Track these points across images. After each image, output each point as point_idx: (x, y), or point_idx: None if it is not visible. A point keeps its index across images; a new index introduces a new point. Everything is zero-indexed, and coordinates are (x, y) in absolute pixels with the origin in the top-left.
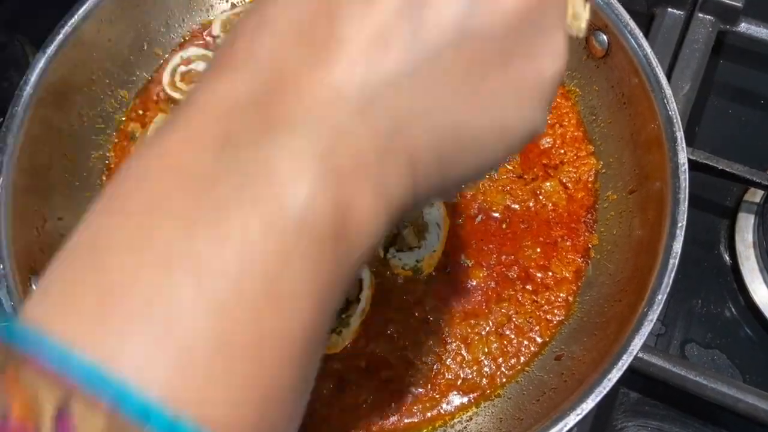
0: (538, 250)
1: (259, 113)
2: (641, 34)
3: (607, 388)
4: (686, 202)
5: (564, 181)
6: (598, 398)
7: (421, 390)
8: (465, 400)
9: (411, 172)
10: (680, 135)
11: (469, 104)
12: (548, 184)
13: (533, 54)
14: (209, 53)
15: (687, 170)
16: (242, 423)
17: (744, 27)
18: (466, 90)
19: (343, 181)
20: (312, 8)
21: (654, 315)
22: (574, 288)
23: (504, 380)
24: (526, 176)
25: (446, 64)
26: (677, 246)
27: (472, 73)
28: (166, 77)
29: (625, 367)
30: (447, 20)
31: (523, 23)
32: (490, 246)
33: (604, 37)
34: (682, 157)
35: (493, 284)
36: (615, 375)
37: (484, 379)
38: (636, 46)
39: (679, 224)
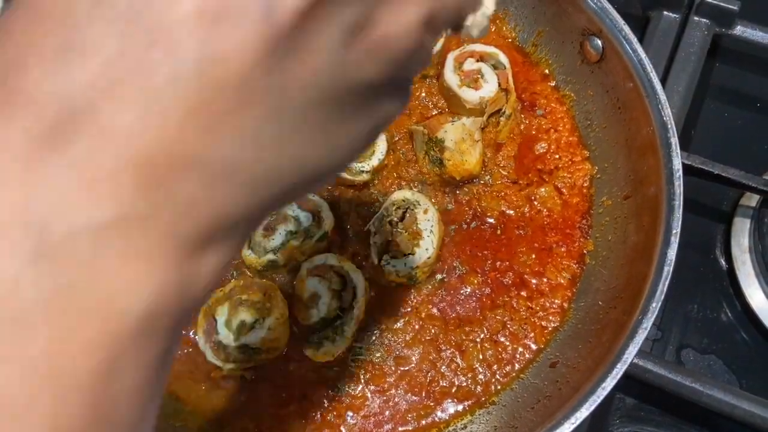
0: (533, 256)
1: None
2: (636, 39)
3: (602, 397)
4: (681, 209)
5: (559, 186)
6: (593, 407)
7: (415, 398)
8: (460, 407)
9: (253, 225)
10: (675, 141)
11: (329, 154)
12: (543, 189)
13: (387, 99)
14: None
15: (681, 176)
16: None
17: (740, 30)
18: (329, 140)
19: (189, 259)
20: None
21: (648, 323)
22: (569, 294)
23: (499, 387)
24: (520, 182)
25: (311, 122)
26: (672, 253)
27: (339, 124)
28: None
29: (619, 376)
30: (321, 77)
31: (388, 78)
32: (485, 252)
33: (599, 42)
34: (677, 163)
35: (487, 290)
36: (609, 383)
37: (479, 387)
38: (630, 51)
39: (674, 231)
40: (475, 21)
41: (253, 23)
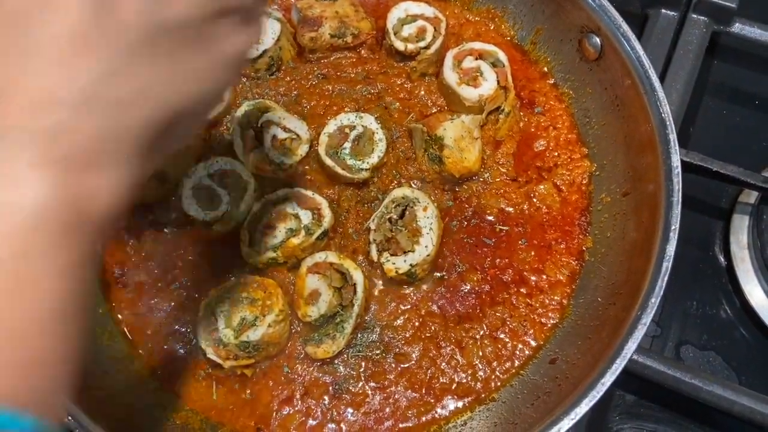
0: (533, 253)
1: None
2: (634, 36)
3: (601, 393)
4: (680, 205)
5: (558, 183)
6: (592, 402)
7: (415, 394)
8: (460, 404)
9: (138, 149)
10: (673, 137)
11: (175, 82)
12: (542, 186)
13: (229, 34)
14: None
15: (680, 173)
16: (11, 386)
17: (738, 27)
18: (170, 71)
19: (76, 175)
20: (2, 19)
21: (647, 319)
22: (569, 291)
23: (498, 384)
24: (520, 179)
25: (146, 55)
26: (671, 249)
27: (173, 56)
28: None
29: (618, 371)
30: (139, 18)
31: (215, 13)
32: (485, 249)
33: (597, 40)
34: (675, 160)
35: (487, 288)
36: (609, 379)
37: (479, 383)
38: (629, 48)
39: (673, 227)
40: None
41: None
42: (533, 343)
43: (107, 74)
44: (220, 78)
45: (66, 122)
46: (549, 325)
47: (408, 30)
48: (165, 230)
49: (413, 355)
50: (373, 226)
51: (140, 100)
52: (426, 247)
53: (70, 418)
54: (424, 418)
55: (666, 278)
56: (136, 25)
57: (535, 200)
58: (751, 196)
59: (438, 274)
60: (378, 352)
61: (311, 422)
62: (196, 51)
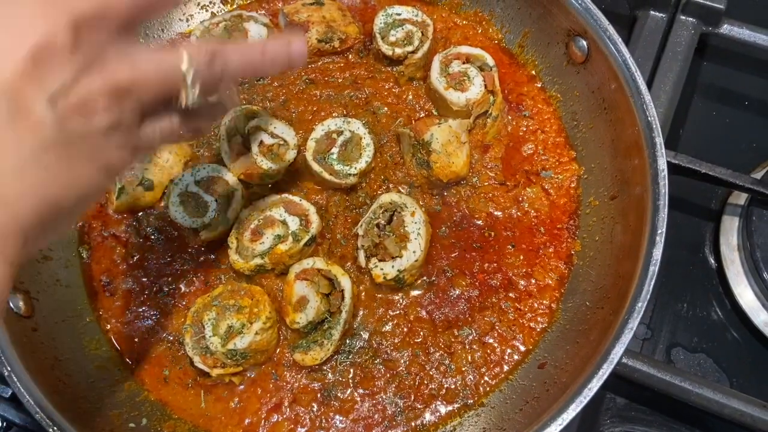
0: (521, 257)
1: None
2: (620, 39)
3: (588, 398)
4: (666, 209)
5: (546, 187)
6: (579, 407)
7: (404, 400)
8: (449, 409)
9: (22, 237)
10: (659, 141)
11: (62, 184)
12: (530, 190)
13: (110, 149)
14: None
15: (666, 176)
16: None
17: (726, 28)
18: (62, 174)
19: None
20: None
21: (635, 323)
22: (557, 295)
23: (487, 389)
24: (508, 183)
25: (46, 160)
26: (657, 253)
27: (70, 161)
28: None
29: (605, 376)
30: (52, 125)
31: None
32: (473, 254)
33: (584, 43)
34: (662, 163)
35: (476, 292)
36: (596, 384)
37: (468, 389)
38: (615, 51)
39: (659, 231)
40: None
41: None
42: (522, 348)
43: (9, 172)
44: (101, 184)
45: None
46: (538, 330)
47: (395, 34)
48: (152, 238)
49: (402, 361)
50: (361, 232)
51: (29, 195)
52: (414, 252)
53: (56, 429)
54: (413, 424)
55: (653, 282)
56: (40, 133)
57: (523, 204)
58: (740, 198)
59: (427, 279)
60: (366, 358)
61: (300, 430)
62: (85, 160)
